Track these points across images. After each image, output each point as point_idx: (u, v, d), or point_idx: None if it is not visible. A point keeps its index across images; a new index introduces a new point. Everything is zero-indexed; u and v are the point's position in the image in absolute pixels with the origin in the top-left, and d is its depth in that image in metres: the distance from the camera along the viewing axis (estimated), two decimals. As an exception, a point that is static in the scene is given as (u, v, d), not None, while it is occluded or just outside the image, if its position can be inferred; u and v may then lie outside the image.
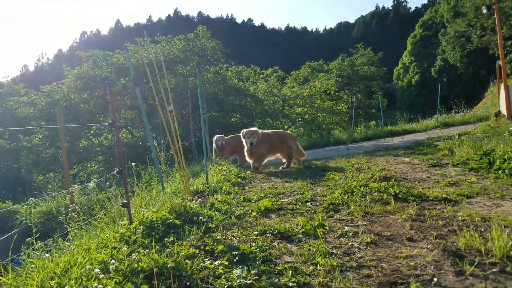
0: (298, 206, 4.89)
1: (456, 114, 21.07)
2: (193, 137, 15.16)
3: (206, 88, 22.03)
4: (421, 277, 2.51)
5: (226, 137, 11.34)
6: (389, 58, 61.40)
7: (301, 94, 27.13)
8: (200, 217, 4.17)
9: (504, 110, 11.59)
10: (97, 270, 2.64)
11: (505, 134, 8.92)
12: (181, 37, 23.72)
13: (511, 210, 4.01)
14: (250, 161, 9.20)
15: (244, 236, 3.77)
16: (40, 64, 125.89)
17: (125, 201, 4.14)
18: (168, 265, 2.78)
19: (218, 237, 3.70)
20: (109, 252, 3.22)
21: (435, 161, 7.57)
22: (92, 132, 23.14)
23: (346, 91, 36.25)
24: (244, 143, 8.99)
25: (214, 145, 11.42)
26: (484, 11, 12.28)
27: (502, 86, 11.68)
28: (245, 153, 9.17)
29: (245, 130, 8.97)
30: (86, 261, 3.04)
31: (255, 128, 9.03)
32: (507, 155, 6.58)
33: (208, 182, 7.39)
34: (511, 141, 7.92)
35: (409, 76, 60.81)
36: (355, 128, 21.07)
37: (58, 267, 3.10)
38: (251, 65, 28.50)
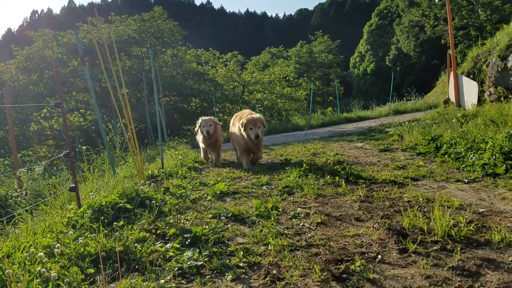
0: (253, 190, 4.92)
1: (408, 101, 21.88)
2: (149, 121, 14.83)
3: (163, 72, 21.54)
4: (366, 255, 2.59)
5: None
6: (346, 46, 62.47)
7: (261, 80, 27.12)
8: (153, 201, 4.10)
9: (452, 98, 12.11)
10: (41, 254, 2.53)
11: (453, 120, 9.33)
12: (136, 17, 22.97)
13: (454, 192, 4.22)
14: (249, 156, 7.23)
15: (197, 220, 3.75)
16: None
17: (73, 185, 4.00)
18: (116, 249, 2.72)
19: (171, 221, 3.66)
20: (55, 237, 3.10)
21: (386, 146, 7.83)
22: (42, 115, 22.11)
23: (305, 78, 36.61)
24: (242, 134, 6.83)
25: (199, 132, 7.84)
26: (437, 0, 12.66)
27: (452, 74, 12.18)
28: (241, 146, 7.11)
29: (245, 119, 6.79)
30: (31, 246, 2.92)
31: (258, 115, 6.93)
32: (453, 140, 6.90)
33: (163, 166, 7.28)
34: (458, 127, 8.32)
35: (365, 64, 62.22)
36: (313, 114, 21.40)
37: (1, 252, 2.96)
38: (210, 49, 28.11)
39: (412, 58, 53.96)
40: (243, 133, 6.80)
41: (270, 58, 35.06)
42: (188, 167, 7.16)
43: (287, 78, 32.07)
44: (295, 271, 2.41)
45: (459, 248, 2.59)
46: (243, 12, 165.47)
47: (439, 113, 11.84)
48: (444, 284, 2.16)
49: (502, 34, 11.12)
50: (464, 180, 4.68)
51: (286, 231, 3.16)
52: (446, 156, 6.16)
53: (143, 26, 22.46)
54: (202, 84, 23.25)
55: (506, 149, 5.32)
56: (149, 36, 22.69)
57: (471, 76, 11.11)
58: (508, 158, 5.16)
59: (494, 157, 5.25)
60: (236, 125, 7.30)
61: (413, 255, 2.57)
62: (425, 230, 2.90)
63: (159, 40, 23.38)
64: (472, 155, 5.69)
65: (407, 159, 6.45)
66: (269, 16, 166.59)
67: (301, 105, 28.26)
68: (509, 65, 9.89)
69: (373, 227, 3.14)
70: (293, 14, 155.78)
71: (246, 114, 7.10)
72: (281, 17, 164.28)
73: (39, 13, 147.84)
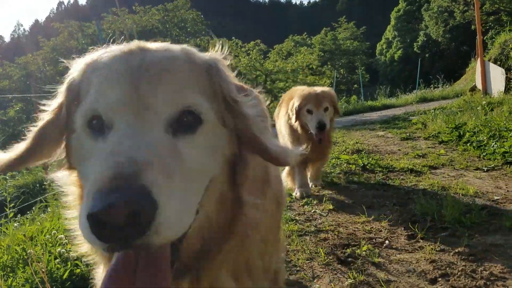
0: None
1: (436, 89, 21.39)
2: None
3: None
4: (374, 240, 2.63)
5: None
6: (373, 33, 61.29)
7: (283, 69, 26.97)
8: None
9: (479, 85, 11.80)
10: (61, 236, 2.68)
11: (478, 108, 9.13)
12: (160, 7, 23.22)
13: (472, 180, 4.17)
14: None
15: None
16: (16, 35, 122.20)
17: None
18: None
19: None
20: (76, 221, 3.26)
21: (408, 134, 7.74)
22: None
23: (329, 66, 36.20)
24: (293, 127, 3.87)
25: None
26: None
27: (478, 61, 11.86)
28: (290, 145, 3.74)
29: (298, 96, 3.81)
30: (53, 229, 3.08)
31: (327, 89, 4.06)
32: (476, 128, 6.76)
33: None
34: (483, 115, 8.14)
35: (392, 51, 60.83)
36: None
37: (26, 234, 3.14)
38: (233, 38, 28.09)
39: (441, 45, 52.40)
40: (294, 124, 3.81)
41: (293, 46, 34.73)
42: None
43: (310, 66, 31.78)
44: (302, 254, 2.47)
45: (467, 234, 2.60)
46: (266, 0, 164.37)
47: (465, 100, 11.55)
48: (447, 268, 2.18)
49: (532, 19, 10.73)
50: (484, 168, 4.61)
51: (297, 217, 3.22)
52: (468, 144, 6.05)
53: (166, 16, 22.70)
54: (225, 73, 23.36)
55: (529, 136, 5.20)
56: (172, 26, 22.94)
57: (498, 62, 10.79)
58: (530, 146, 5.04)
59: (514, 145, 5.14)
60: (282, 115, 4.14)
61: (421, 241, 2.60)
62: (436, 217, 2.91)
63: (183, 30, 23.59)
64: (494, 143, 5.58)
65: (428, 147, 6.37)
66: (293, 3, 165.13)
67: (325, 94, 27.96)
68: (538, 51, 9.58)
69: (384, 214, 3.16)
70: (318, 0, 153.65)
71: (299, 91, 3.98)
72: (305, 4, 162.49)
73: (65, 4, 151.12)
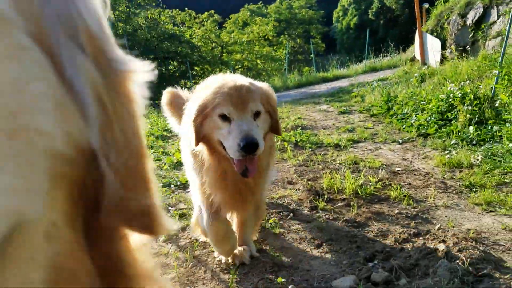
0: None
1: (385, 58, 22.14)
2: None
3: (137, 35, 21.37)
4: (282, 213, 3.09)
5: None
6: (330, 0, 61.37)
7: (239, 40, 27.00)
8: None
9: (418, 56, 12.47)
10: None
11: (411, 80, 9.77)
12: (107, -21, 22.36)
13: (385, 153, 4.72)
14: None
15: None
16: None
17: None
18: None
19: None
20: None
21: (346, 108, 8.26)
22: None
23: (286, 35, 36.37)
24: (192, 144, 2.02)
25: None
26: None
27: (417, 31, 12.49)
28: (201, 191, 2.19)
29: (202, 95, 2.02)
30: None
31: (261, 83, 2.13)
32: (404, 100, 7.36)
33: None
34: (416, 87, 8.77)
35: (348, 18, 61.46)
36: (289, 75, 21.59)
37: None
38: (186, 8, 27.64)
39: (395, 11, 53.47)
40: (196, 147, 2.04)
41: (249, 16, 34.58)
42: (156, 136, 7.50)
43: (266, 37, 31.89)
44: (217, 229, 2.89)
45: (358, 204, 3.10)
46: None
47: (404, 71, 12.24)
48: (333, 235, 2.67)
49: (464, -9, 11.37)
50: (399, 140, 5.17)
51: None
52: (393, 117, 6.63)
53: (114, -11, 21.98)
54: (178, 46, 23.14)
55: (442, 109, 5.80)
56: (120, -1, 22.27)
57: (435, 34, 11.43)
58: (442, 119, 5.65)
59: (430, 117, 5.74)
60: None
61: (320, 211, 3.08)
62: (336, 190, 3.40)
63: (131, 2, 22.94)
64: (415, 115, 6.17)
65: (360, 121, 6.90)
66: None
67: (281, 65, 28.36)
68: (468, 23, 10.26)
69: (298, 189, 3.63)
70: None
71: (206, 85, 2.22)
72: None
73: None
